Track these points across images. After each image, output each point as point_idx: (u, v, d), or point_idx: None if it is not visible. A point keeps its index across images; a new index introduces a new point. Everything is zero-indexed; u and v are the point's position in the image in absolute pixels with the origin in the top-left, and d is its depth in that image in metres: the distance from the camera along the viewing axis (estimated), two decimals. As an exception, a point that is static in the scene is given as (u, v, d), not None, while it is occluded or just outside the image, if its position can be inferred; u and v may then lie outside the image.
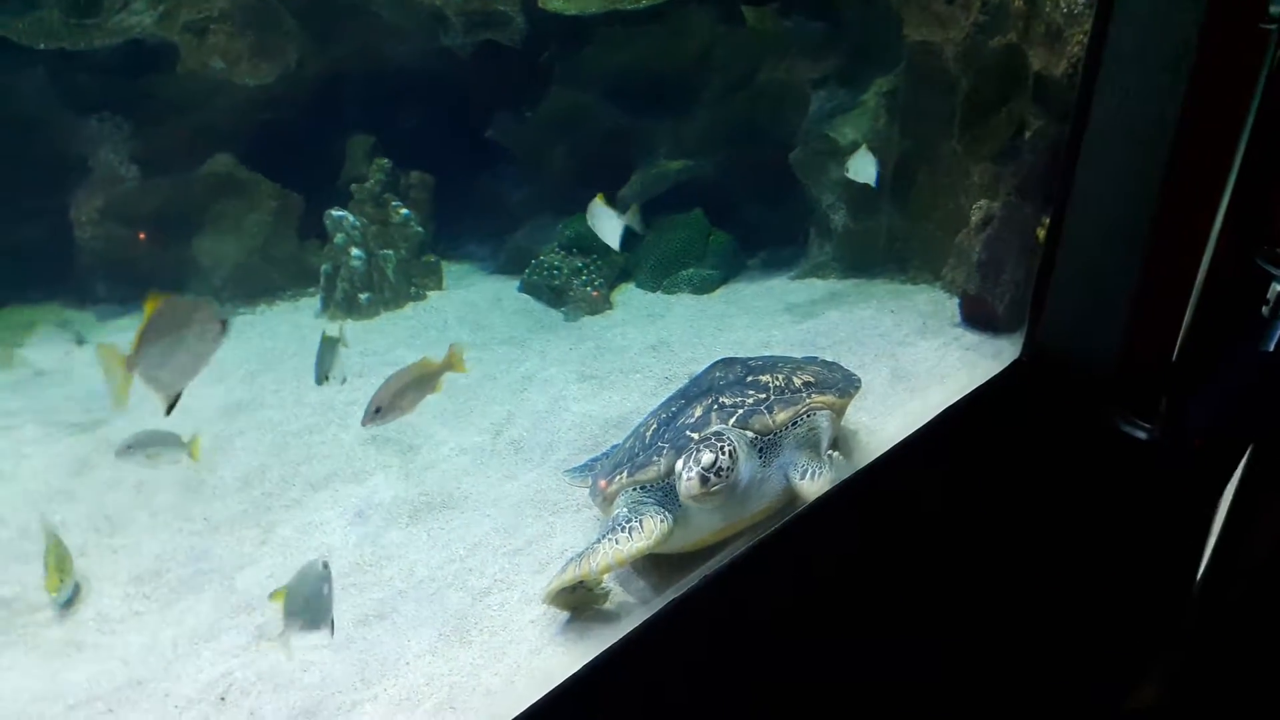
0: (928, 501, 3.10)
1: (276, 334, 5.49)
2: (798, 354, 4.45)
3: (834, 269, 5.44)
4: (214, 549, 3.42)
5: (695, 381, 3.22)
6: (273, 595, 2.55)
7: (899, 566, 2.91)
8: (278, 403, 4.51)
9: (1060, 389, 3.19)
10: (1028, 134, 4.09)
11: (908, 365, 4.18)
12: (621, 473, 2.88)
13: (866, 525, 3.00)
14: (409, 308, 5.70)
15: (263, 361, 5.07)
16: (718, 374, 3.11)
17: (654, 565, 2.95)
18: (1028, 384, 3.36)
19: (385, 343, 5.25)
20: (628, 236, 5.83)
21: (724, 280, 5.67)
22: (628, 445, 3.07)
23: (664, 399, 3.28)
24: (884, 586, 2.85)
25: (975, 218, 4.34)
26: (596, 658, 2.53)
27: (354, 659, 2.76)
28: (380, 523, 3.47)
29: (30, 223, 5.83)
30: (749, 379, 3.01)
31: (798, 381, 2.99)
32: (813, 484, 2.75)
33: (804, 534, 2.83)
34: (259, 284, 6.13)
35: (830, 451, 2.91)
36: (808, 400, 2.90)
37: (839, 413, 3.08)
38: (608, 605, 2.88)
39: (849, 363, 4.27)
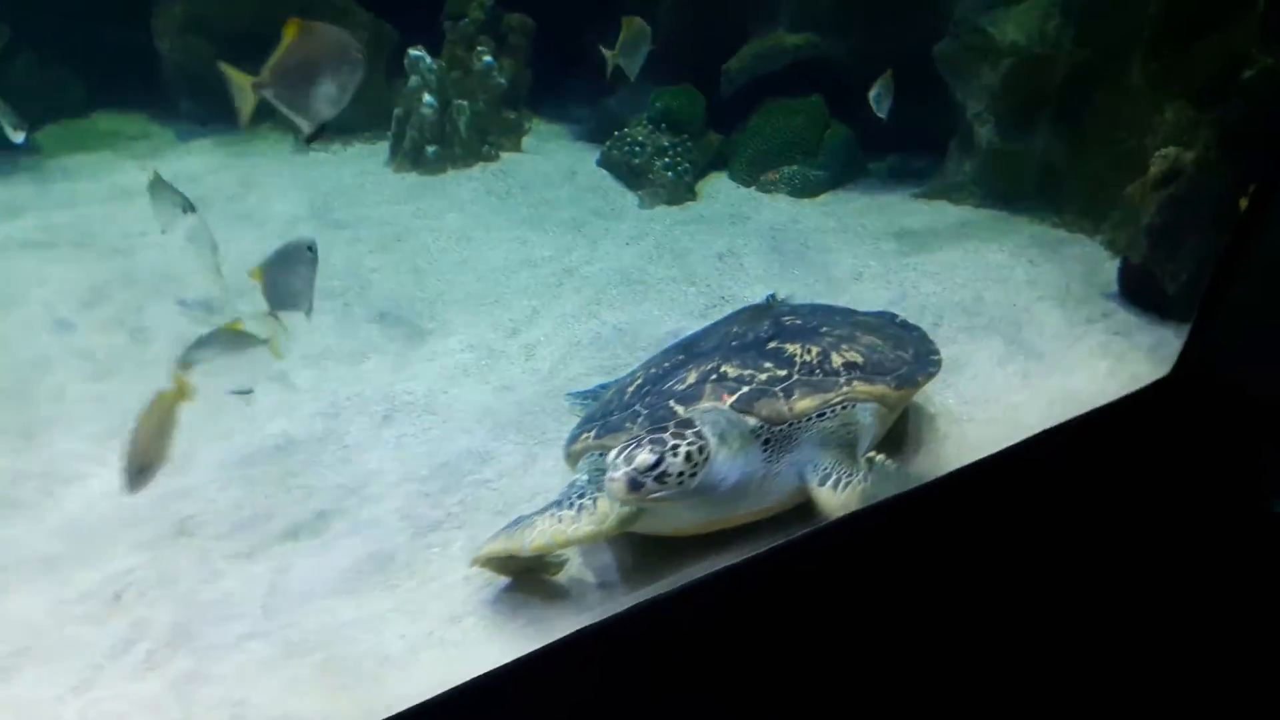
0: (1007, 545, 2.36)
1: (338, 178, 5.13)
2: (887, 298, 3.68)
3: (971, 194, 4.50)
4: (182, 417, 3.18)
5: (709, 331, 2.59)
6: (251, 272, 2.66)
7: (951, 628, 2.22)
8: (305, 258, 4.18)
9: (1213, 432, 2.33)
10: (1247, 73, 2.99)
11: (1031, 340, 3.35)
12: (590, 431, 2.35)
13: (911, 563, 2.31)
14: (477, 168, 5.19)
15: (313, 210, 4.74)
16: (736, 328, 2.46)
17: (629, 538, 2.45)
18: (1172, 414, 2.50)
19: (440, 205, 4.79)
20: (723, 117, 4.98)
21: (833, 185, 4.83)
22: (609, 395, 2.52)
23: (673, 343, 2.67)
24: (926, 652, 2.19)
25: (1157, 168, 3.32)
26: (511, 662, 2.07)
27: (265, 580, 2.45)
28: (352, 417, 3.11)
29: (118, 29, 5.60)
30: (772, 345, 2.35)
31: (838, 359, 2.31)
32: (836, 495, 2.13)
33: (819, 561, 2.19)
34: (338, 119, 5.76)
35: (872, 454, 2.25)
36: (844, 388, 2.24)
37: (892, 408, 2.39)
38: (560, 577, 2.43)
39: (953, 324, 3.47)
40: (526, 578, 2.40)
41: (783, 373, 2.24)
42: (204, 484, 2.80)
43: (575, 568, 2.45)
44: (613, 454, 2.03)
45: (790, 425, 2.19)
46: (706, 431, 2.06)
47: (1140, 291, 3.45)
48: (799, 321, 2.50)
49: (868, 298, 3.56)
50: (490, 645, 2.24)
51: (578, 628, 2.31)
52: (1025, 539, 2.36)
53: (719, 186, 4.94)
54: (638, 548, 2.44)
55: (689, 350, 2.47)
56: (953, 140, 4.58)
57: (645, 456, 1.98)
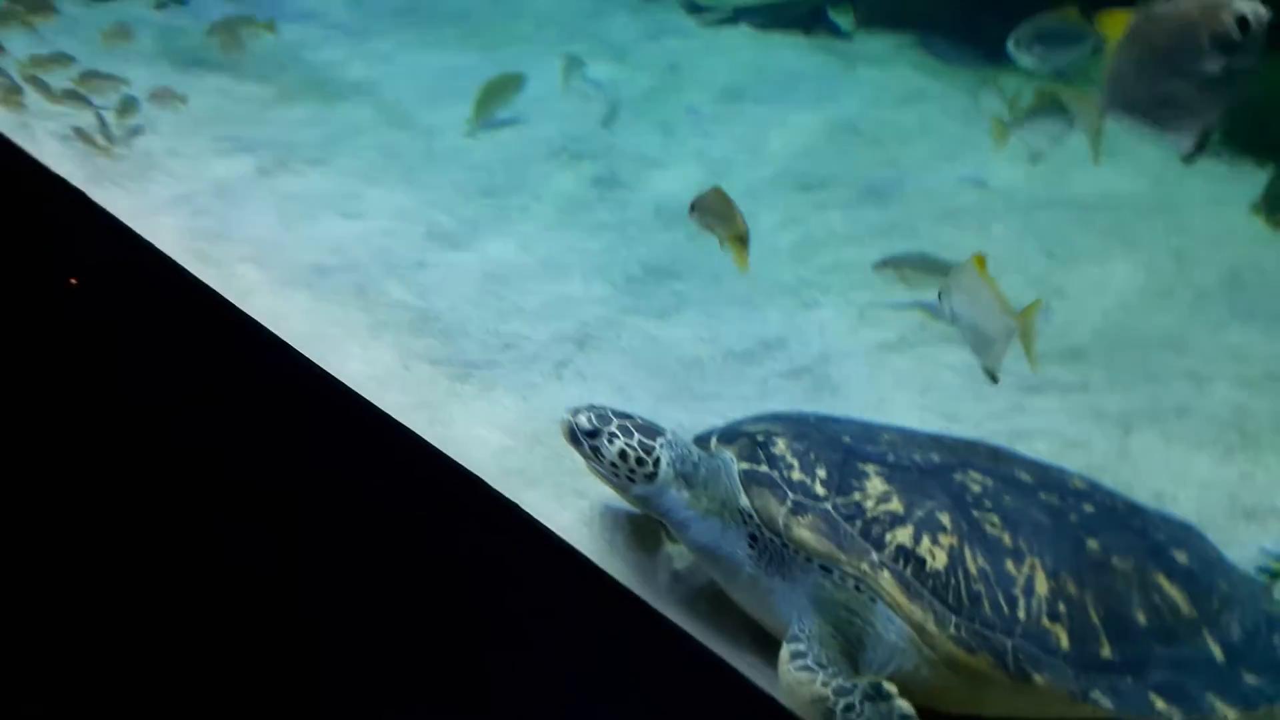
0: None
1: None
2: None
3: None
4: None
5: (914, 436, 2.05)
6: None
7: None
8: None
9: None
10: None
11: None
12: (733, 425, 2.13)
13: None
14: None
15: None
16: (929, 454, 1.92)
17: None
18: None
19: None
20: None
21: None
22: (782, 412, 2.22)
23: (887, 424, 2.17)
24: None
25: None
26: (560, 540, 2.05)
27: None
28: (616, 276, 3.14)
29: None
30: (868, 468, 1.83)
31: (901, 539, 1.73)
32: (789, 667, 1.68)
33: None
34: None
35: (885, 682, 1.67)
36: (861, 564, 1.72)
37: (959, 670, 1.69)
38: (670, 546, 2.16)
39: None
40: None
41: (820, 491, 1.79)
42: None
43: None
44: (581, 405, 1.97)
45: (782, 544, 1.80)
46: (664, 453, 1.85)
47: None
48: (991, 511, 1.78)
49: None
50: (577, 534, 2.17)
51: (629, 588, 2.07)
52: None
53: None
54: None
55: (838, 421, 2.10)
56: None
57: (584, 420, 1.91)
